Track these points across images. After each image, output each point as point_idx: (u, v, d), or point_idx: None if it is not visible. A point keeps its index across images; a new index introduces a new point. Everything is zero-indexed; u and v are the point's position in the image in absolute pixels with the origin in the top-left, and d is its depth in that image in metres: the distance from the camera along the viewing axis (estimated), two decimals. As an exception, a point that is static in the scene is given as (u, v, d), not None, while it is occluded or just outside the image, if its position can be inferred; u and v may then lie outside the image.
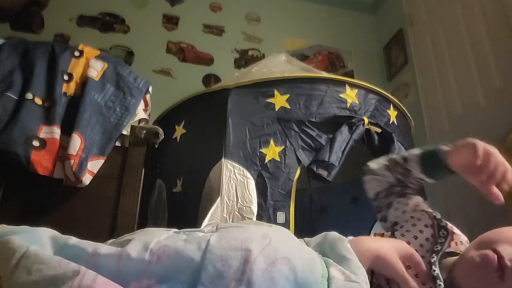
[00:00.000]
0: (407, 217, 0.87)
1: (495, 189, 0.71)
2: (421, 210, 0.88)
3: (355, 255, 0.66)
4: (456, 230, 0.83)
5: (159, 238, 0.59)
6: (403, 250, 0.70)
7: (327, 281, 0.57)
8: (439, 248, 0.75)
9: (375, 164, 1.00)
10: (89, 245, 0.55)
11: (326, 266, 0.60)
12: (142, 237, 0.58)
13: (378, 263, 0.67)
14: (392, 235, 0.83)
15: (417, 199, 0.95)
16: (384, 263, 0.67)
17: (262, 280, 0.54)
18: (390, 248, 0.68)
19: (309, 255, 0.61)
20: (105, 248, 0.55)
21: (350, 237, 0.83)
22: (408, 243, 0.76)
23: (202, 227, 0.70)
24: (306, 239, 0.74)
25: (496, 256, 0.64)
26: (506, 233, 0.69)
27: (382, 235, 0.86)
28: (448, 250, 0.76)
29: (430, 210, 0.89)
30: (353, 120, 1.36)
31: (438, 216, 0.85)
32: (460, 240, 0.80)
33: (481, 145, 0.75)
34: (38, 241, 0.57)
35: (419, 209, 0.89)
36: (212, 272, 0.54)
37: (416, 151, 0.91)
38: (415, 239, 0.79)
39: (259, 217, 1.19)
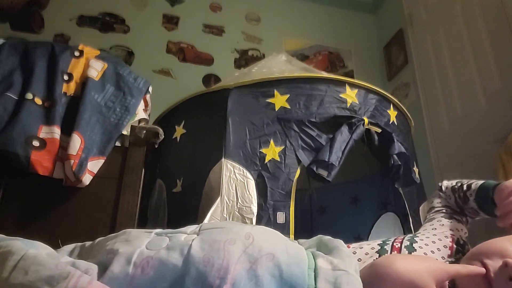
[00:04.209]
0: (431, 233, 0.86)
1: None
2: (451, 235, 0.86)
3: (346, 247, 0.65)
4: None
5: (141, 247, 0.58)
6: (440, 275, 0.62)
7: (314, 272, 0.57)
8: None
9: (447, 182, 1.02)
10: (82, 265, 0.55)
11: (314, 258, 0.60)
12: (124, 249, 0.58)
13: None
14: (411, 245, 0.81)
15: (457, 226, 0.91)
16: None
17: (247, 280, 0.54)
18: (426, 274, 0.61)
19: (294, 249, 0.61)
20: (95, 269, 0.55)
21: (354, 244, 0.83)
22: (425, 254, 0.76)
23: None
24: (301, 240, 0.73)
25: (483, 269, 0.64)
26: (494, 244, 0.69)
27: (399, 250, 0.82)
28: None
29: (460, 237, 0.87)
30: (353, 120, 1.36)
31: (462, 242, 0.84)
32: None
33: None
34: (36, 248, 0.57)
35: (449, 233, 0.87)
36: (195, 274, 0.54)
37: (481, 181, 0.92)
38: (432, 253, 0.78)
39: (259, 217, 1.19)
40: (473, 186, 0.92)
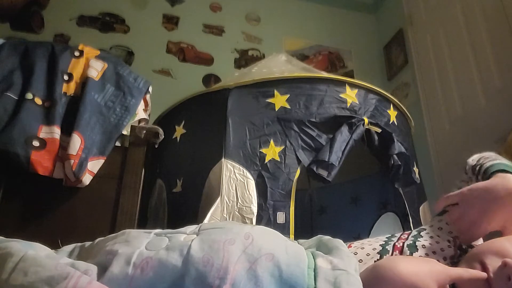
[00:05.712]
0: (436, 233, 0.84)
1: None
2: (455, 236, 0.83)
3: (346, 247, 0.65)
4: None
5: (141, 248, 0.58)
6: (442, 278, 0.62)
7: (314, 272, 0.57)
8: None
9: (472, 160, 0.92)
10: (81, 266, 0.55)
11: (313, 258, 0.60)
12: (123, 249, 0.58)
13: None
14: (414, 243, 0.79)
15: None
16: None
17: (246, 280, 0.54)
18: (427, 277, 0.61)
19: (294, 249, 0.61)
20: (95, 270, 0.55)
21: (355, 243, 0.82)
22: (426, 255, 0.75)
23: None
24: (301, 240, 0.73)
25: (485, 274, 0.64)
26: (494, 244, 0.69)
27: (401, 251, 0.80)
28: None
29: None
30: (353, 120, 1.36)
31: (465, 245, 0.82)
32: None
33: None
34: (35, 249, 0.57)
35: (454, 234, 0.84)
36: (195, 275, 0.54)
37: (490, 161, 0.84)
38: (434, 254, 0.77)
39: (259, 217, 1.19)
40: (482, 169, 0.84)
